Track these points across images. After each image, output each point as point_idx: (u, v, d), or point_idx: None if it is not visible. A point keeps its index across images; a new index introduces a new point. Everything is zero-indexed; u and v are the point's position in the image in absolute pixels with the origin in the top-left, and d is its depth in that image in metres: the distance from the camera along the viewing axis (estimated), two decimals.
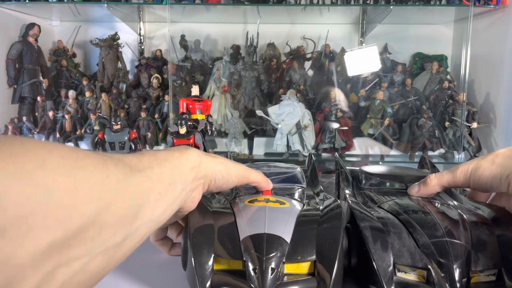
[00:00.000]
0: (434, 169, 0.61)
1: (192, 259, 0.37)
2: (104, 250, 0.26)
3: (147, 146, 1.45)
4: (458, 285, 0.35)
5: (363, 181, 0.57)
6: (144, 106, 1.48)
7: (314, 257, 0.37)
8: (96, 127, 1.42)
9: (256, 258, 0.36)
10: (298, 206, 0.45)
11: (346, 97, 1.49)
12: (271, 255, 0.36)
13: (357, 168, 0.61)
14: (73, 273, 0.24)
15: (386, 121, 1.43)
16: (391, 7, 1.38)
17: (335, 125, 1.41)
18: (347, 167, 0.62)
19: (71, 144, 1.45)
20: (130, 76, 1.66)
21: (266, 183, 0.49)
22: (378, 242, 0.38)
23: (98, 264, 0.26)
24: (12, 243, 0.21)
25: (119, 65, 1.60)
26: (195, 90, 1.06)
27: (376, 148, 1.47)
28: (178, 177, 0.36)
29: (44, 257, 0.22)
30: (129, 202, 0.29)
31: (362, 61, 1.50)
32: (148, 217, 0.31)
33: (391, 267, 0.37)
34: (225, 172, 0.43)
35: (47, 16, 1.67)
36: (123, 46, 1.63)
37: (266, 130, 1.52)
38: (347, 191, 0.54)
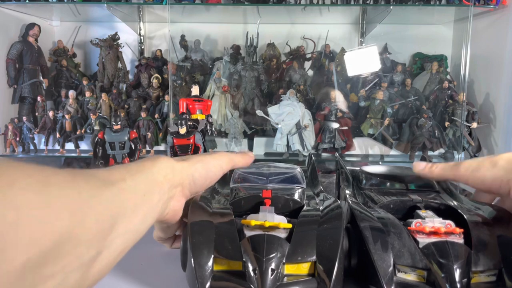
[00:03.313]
0: None
1: (192, 260, 0.37)
2: (79, 265, 0.26)
3: (147, 146, 1.45)
4: (458, 285, 0.35)
5: (363, 181, 0.57)
6: (144, 106, 1.48)
7: (314, 257, 0.37)
8: (96, 127, 1.42)
9: (256, 259, 0.36)
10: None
11: (346, 97, 1.49)
12: (271, 255, 0.36)
13: (357, 168, 0.61)
14: None
15: (386, 121, 1.43)
16: (391, 7, 1.38)
17: (335, 125, 1.41)
18: (347, 167, 0.62)
19: (71, 144, 1.46)
20: (130, 76, 1.66)
21: (248, 159, 0.52)
22: (378, 243, 0.38)
23: (74, 281, 0.26)
24: None
25: (119, 65, 1.60)
26: (195, 90, 1.06)
27: (376, 148, 1.47)
28: (153, 187, 0.36)
29: (20, 277, 0.22)
30: (103, 215, 0.28)
31: (362, 61, 1.50)
32: (125, 229, 0.31)
33: (391, 268, 0.37)
34: (203, 169, 0.43)
35: (47, 16, 1.67)
36: (123, 46, 1.63)
37: (266, 130, 1.52)
38: (347, 191, 0.54)
